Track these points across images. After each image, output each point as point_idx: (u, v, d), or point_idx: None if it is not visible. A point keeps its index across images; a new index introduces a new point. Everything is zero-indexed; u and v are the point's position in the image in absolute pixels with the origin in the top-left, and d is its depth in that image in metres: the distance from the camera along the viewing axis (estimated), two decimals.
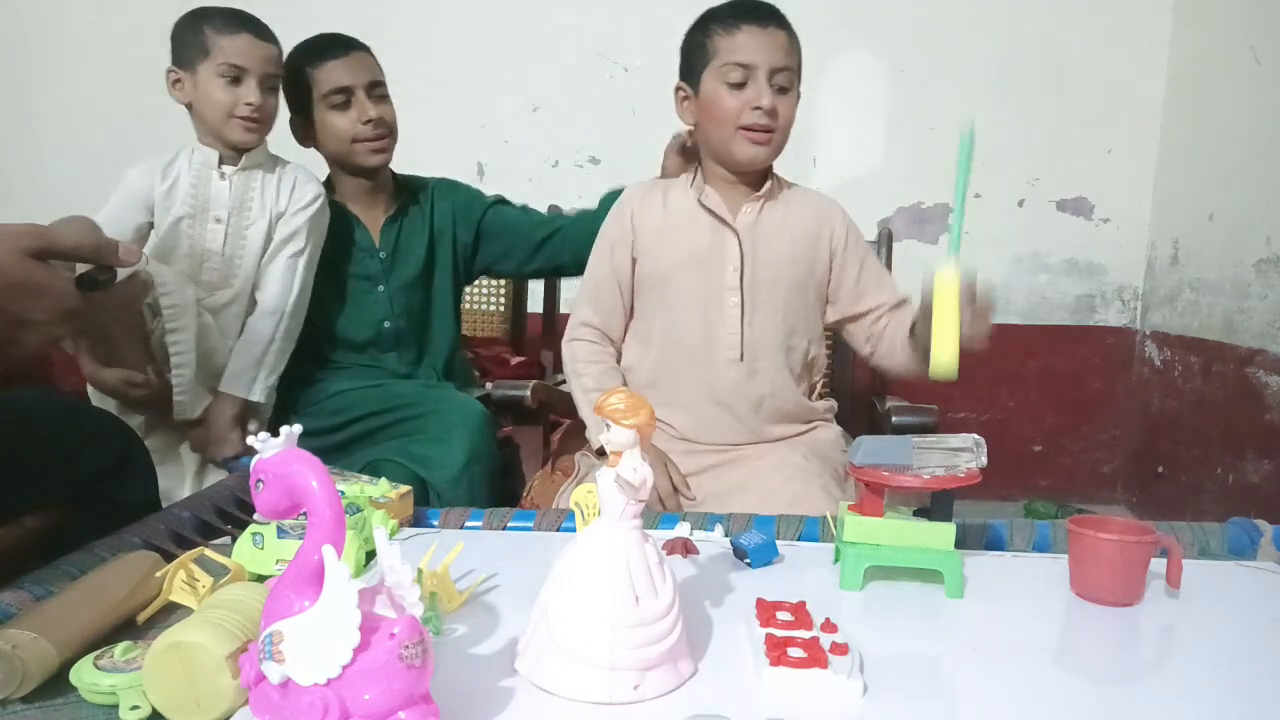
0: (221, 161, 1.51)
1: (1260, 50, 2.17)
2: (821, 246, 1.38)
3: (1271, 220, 2.10)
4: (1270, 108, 2.11)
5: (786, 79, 1.27)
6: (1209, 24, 2.42)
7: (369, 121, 1.54)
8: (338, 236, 1.63)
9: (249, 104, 1.45)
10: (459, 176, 1.78)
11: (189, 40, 1.46)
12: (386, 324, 1.64)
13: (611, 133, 2.60)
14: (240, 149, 1.50)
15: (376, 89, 1.57)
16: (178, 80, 1.49)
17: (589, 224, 1.54)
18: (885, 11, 2.57)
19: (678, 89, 1.35)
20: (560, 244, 1.68)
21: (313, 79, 1.54)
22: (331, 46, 1.55)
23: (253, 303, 1.54)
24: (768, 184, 1.35)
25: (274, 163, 1.56)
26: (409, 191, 1.70)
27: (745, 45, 1.25)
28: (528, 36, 2.59)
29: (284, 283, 1.52)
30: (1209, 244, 2.36)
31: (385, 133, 1.57)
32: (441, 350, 1.70)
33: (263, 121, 1.49)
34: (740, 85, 1.26)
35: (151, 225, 1.50)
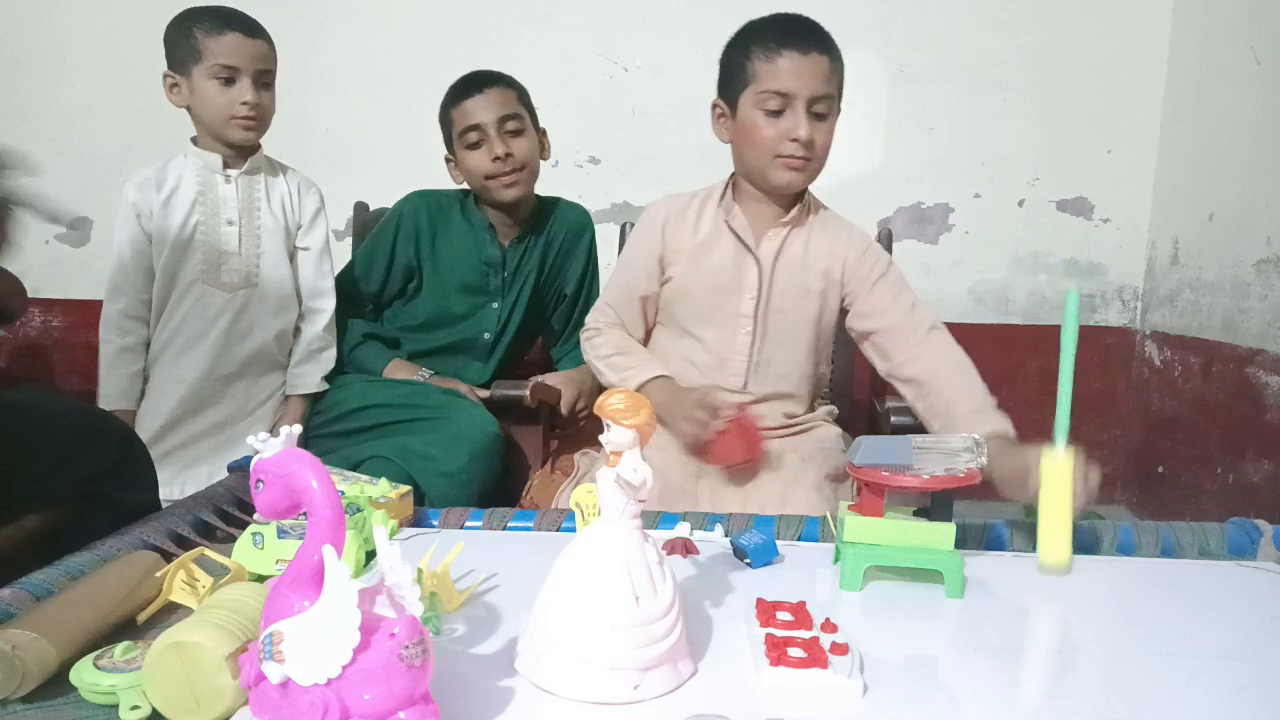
0: (225, 165, 1.51)
1: (1260, 50, 2.16)
2: (833, 283, 1.35)
3: (1271, 220, 2.10)
4: (1270, 108, 2.11)
5: (826, 106, 1.23)
6: (1209, 24, 2.42)
7: (498, 158, 1.57)
8: (470, 247, 1.67)
9: (245, 103, 1.46)
10: None
11: (180, 43, 1.47)
12: (486, 335, 1.68)
13: (611, 133, 2.59)
14: (240, 147, 1.51)
15: (509, 122, 1.59)
16: (175, 84, 1.49)
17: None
18: (885, 12, 2.57)
19: (714, 105, 1.32)
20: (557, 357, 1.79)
21: (452, 119, 1.60)
22: (466, 86, 1.60)
23: (279, 302, 1.56)
24: (795, 210, 1.32)
25: (273, 168, 1.58)
26: (541, 213, 1.72)
27: (785, 74, 1.20)
28: (528, 36, 2.59)
29: (327, 281, 1.63)
30: (1209, 244, 2.36)
31: (516, 167, 1.59)
32: (510, 366, 1.72)
33: (259, 120, 1.50)
34: (778, 113, 1.22)
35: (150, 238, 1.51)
